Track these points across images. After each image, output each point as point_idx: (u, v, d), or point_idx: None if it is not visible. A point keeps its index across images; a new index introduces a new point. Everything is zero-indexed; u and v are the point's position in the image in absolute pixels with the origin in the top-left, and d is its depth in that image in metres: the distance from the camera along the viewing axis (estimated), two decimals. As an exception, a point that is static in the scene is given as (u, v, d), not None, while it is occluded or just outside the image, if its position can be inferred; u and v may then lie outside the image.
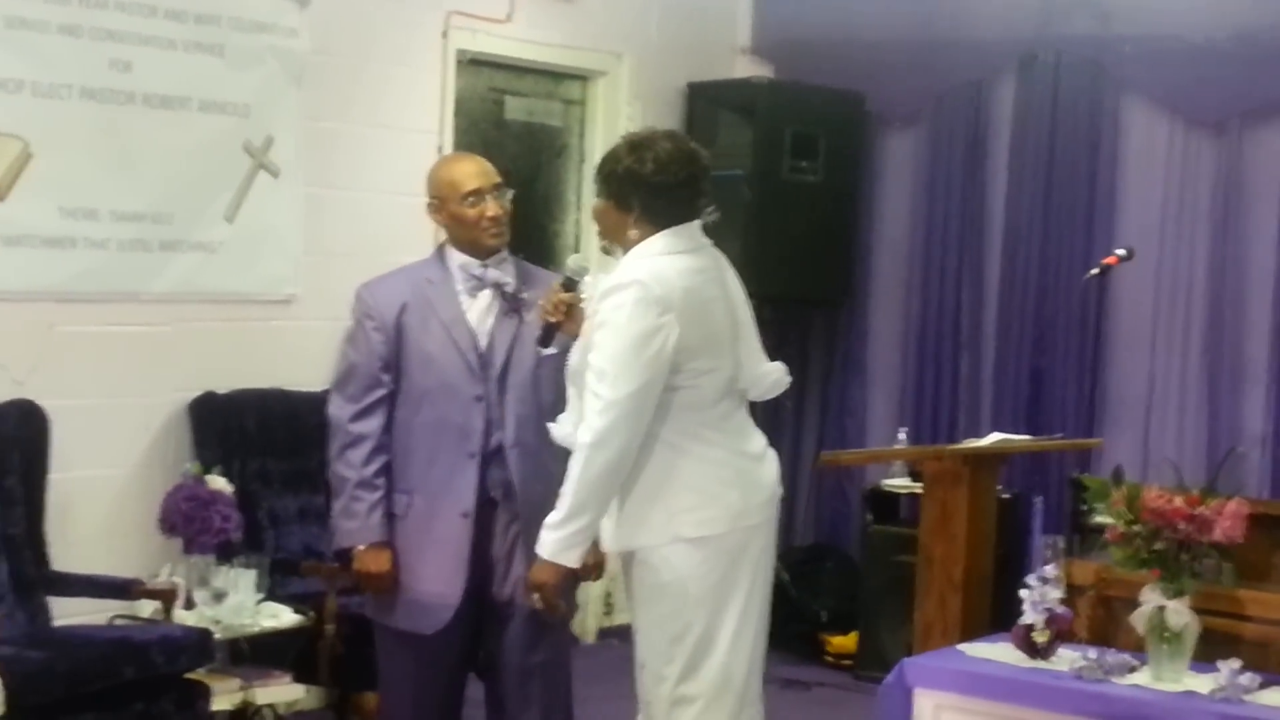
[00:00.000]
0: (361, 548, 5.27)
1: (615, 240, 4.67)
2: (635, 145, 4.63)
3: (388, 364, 5.27)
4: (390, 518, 5.27)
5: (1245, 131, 7.88)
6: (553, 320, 4.87)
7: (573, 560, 4.57)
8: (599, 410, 4.45)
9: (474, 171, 5.34)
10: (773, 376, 4.87)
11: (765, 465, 4.72)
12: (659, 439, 4.53)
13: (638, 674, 4.65)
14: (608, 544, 4.69)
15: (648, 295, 4.46)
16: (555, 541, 4.53)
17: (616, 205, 4.63)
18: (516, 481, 5.22)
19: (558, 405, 4.82)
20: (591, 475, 4.47)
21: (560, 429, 4.73)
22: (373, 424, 5.26)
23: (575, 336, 4.77)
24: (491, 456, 5.21)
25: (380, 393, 5.27)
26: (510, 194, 5.39)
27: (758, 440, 4.74)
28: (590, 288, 4.73)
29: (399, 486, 5.28)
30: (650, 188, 4.56)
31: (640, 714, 4.70)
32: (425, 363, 5.25)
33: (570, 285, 4.88)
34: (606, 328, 4.48)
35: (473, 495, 5.21)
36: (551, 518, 4.55)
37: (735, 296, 4.75)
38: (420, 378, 5.25)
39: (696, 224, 4.66)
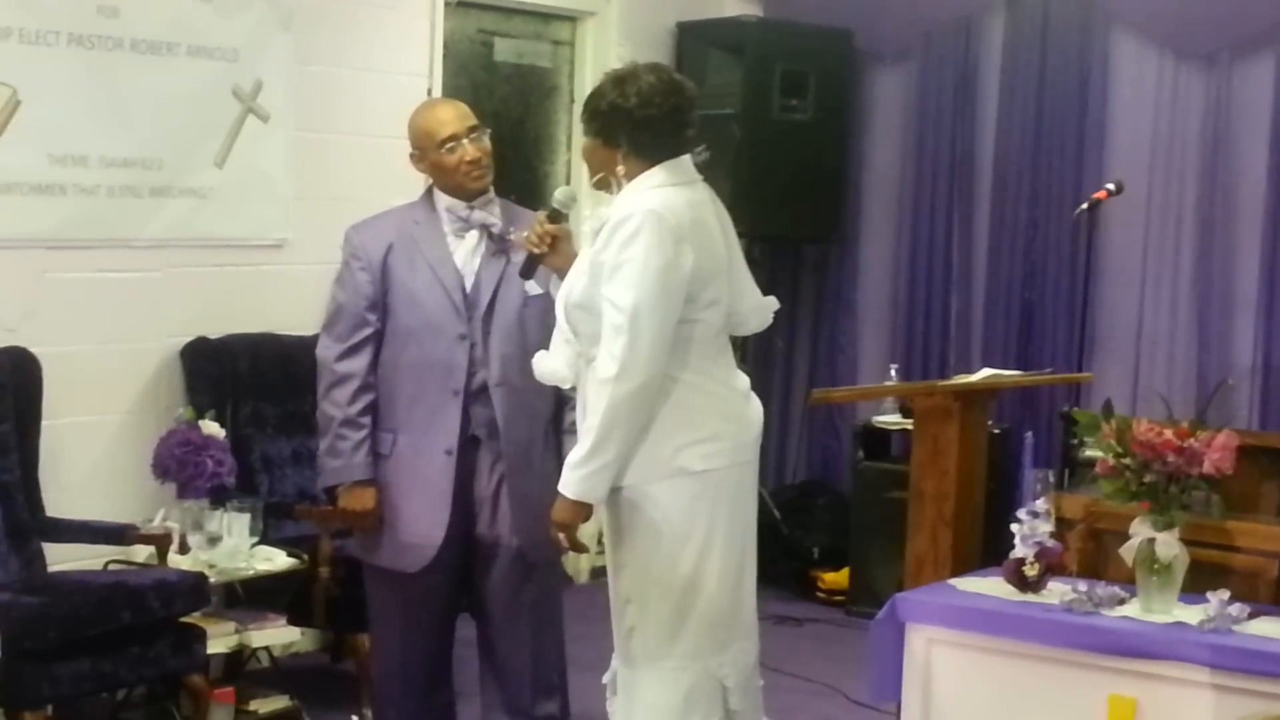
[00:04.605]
0: (346, 486, 5.31)
1: (608, 175, 4.59)
2: (619, 80, 4.59)
3: (374, 304, 5.28)
4: (376, 457, 5.30)
5: (1235, 63, 7.85)
6: (536, 252, 4.83)
7: (597, 497, 4.49)
8: (624, 343, 4.35)
9: (448, 118, 5.32)
10: (766, 310, 4.86)
11: (753, 403, 4.71)
12: (665, 374, 4.45)
13: (620, 610, 4.62)
14: None
15: (663, 226, 4.39)
16: (579, 480, 4.45)
17: (604, 142, 4.59)
18: (501, 420, 5.23)
19: (544, 345, 4.73)
20: (616, 409, 4.38)
21: (544, 365, 4.67)
22: (358, 363, 5.28)
23: (558, 270, 4.75)
24: (476, 395, 5.22)
25: (366, 332, 5.29)
26: (488, 134, 5.38)
27: (743, 377, 4.73)
28: (592, 220, 4.61)
29: (384, 425, 5.30)
30: (635, 122, 4.51)
31: (616, 654, 4.66)
32: (411, 302, 5.26)
33: (556, 217, 4.84)
34: (625, 261, 4.38)
35: (456, 433, 5.23)
36: (574, 455, 4.47)
37: (728, 229, 4.71)
38: (406, 317, 5.27)
39: (687, 159, 4.61)
